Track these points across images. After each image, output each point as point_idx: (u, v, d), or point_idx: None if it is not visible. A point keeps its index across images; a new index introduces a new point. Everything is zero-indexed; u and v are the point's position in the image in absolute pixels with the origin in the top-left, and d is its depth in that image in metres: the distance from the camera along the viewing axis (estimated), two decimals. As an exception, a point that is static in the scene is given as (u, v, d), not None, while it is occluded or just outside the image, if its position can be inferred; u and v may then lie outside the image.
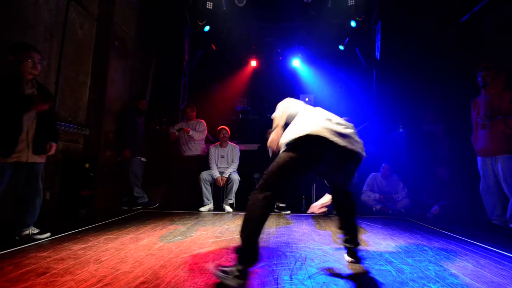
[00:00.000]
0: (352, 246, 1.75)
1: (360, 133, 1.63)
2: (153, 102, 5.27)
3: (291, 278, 1.46)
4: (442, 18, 4.28)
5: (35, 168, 2.19)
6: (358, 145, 1.47)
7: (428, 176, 4.02)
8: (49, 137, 2.27)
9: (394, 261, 1.79)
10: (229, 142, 4.17)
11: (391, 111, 5.12)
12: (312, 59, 6.48)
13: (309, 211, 2.16)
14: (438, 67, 4.34)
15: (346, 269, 1.62)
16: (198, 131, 4.32)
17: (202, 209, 3.76)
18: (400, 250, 2.05)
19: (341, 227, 1.79)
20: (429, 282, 1.45)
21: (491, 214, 2.88)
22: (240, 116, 5.96)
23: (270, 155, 1.75)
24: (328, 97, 6.02)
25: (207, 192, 3.86)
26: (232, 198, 3.85)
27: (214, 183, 3.94)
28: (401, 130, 4.79)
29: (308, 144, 1.40)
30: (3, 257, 1.68)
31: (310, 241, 2.24)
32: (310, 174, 1.49)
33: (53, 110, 2.42)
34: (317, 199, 4.03)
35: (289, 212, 3.70)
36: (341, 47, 6.16)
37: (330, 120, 1.50)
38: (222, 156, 4.07)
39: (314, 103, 1.87)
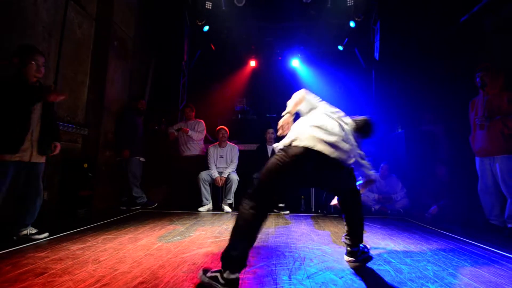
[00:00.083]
0: (351, 245, 1.75)
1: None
2: (152, 102, 5.27)
3: (290, 278, 1.46)
4: (441, 18, 4.29)
5: (37, 168, 2.19)
6: (340, 153, 1.49)
7: (427, 176, 4.02)
8: (52, 137, 2.30)
9: (393, 261, 1.79)
10: (228, 142, 4.17)
11: (390, 111, 5.13)
12: (311, 59, 6.48)
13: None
14: (437, 67, 4.35)
15: (345, 269, 1.62)
16: (197, 131, 4.31)
17: (201, 209, 3.75)
18: (398, 250, 2.06)
19: (345, 225, 1.80)
20: (427, 282, 1.45)
21: (489, 214, 2.89)
22: (239, 116, 5.97)
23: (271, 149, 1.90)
24: (327, 97, 5.92)
25: (206, 192, 3.85)
26: (231, 198, 3.85)
27: (213, 183, 3.93)
28: (400, 130, 4.80)
29: (295, 151, 1.46)
30: (1, 257, 1.68)
31: (309, 241, 2.24)
32: (297, 180, 1.55)
33: (54, 109, 2.42)
34: (316, 199, 4.08)
35: (288, 212, 3.71)
36: (340, 48, 6.17)
37: (319, 127, 1.55)
38: (221, 156, 4.06)
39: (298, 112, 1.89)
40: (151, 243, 2.06)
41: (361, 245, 1.79)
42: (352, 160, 1.57)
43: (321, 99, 1.87)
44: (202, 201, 3.81)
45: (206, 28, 5.82)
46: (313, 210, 4.03)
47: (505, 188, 2.71)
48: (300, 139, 1.49)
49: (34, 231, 2.16)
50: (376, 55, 5.47)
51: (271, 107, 6.26)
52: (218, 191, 4.14)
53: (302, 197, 4.12)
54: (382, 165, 4.08)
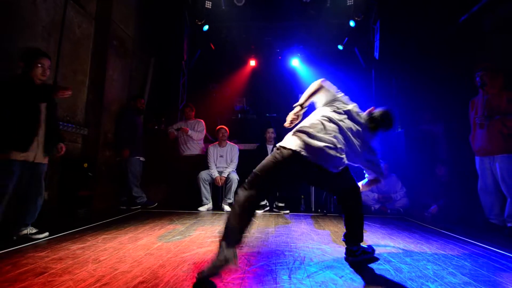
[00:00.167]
0: (351, 244, 1.76)
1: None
2: (152, 101, 5.26)
3: (290, 277, 1.46)
4: (441, 18, 4.29)
5: (40, 169, 2.21)
6: (325, 160, 1.57)
7: (426, 176, 4.03)
8: (57, 138, 2.33)
9: (393, 260, 1.79)
10: (228, 142, 4.17)
11: (390, 110, 5.13)
12: (311, 59, 6.48)
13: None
14: (437, 67, 4.35)
15: (345, 268, 1.62)
16: (197, 131, 4.31)
17: (201, 208, 3.75)
18: (398, 249, 2.06)
19: (345, 224, 1.81)
20: (427, 281, 1.45)
21: (489, 213, 2.89)
22: (239, 115, 5.96)
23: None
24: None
25: (206, 191, 3.85)
26: (231, 197, 3.85)
27: (213, 182, 3.93)
28: (399, 129, 4.80)
29: (285, 153, 1.60)
30: (0, 257, 1.68)
31: (309, 241, 2.24)
32: (290, 177, 1.69)
33: (57, 111, 2.43)
34: (316, 198, 4.08)
35: (288, 211, 3.71)
36: (340, 47, 6.17)
37: (308, 133, 1.63)
38: (221, 156, 4.06)
39: (313, 103, 1.91)
40: (151, 243, 2.06)
41: (365, 245, 1.79)
42: (341, 167, 1.64)
43: (339, 91, 1.88)
44: (202, 200, 3.81)
45: (205, 27, 5.81)
46: (313, 209, 4.03)
47: (505, 187, 2.71)
48: (290, 142, 1.63)
49: (34, 230, 2.16)
50: (376, 54, 5.46)
51: (271, 107, 6.26)
52: (218, 191, 4.14)
53: (302, 196, 4.13)
54: (381, 164, 4.08)
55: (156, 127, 4.85)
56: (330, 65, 6.24)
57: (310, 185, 3.82)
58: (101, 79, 3.77)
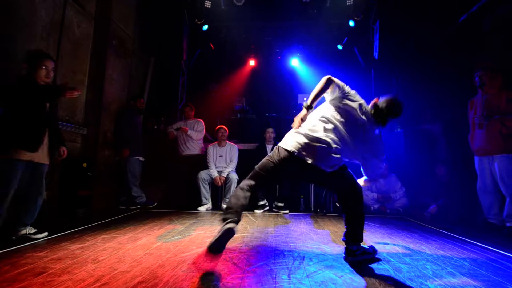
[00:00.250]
0: (350, 244, 1.76)
1: None
2: (152, 101, 5.26)
3: (289, 277, 1.46)
4: (440, 18, 4.29)
5: (42, 169, 2.22)
6: (319, 161, 1.65)
7: (426, 176, 4.03)
8: (58, 140, 2.35)
9: (392, 260, 1.79)
10: (227, 142, 4.17)
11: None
12: (310, 59, 6.48)
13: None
14: (436, 67, 4.35)
15: (344, 268, 1.62)
16: (196, 131, 4.31)
17: (200, 208, 3.75)
18: (397, 249, 2.06)
19: (345, 223, 1.82)
20: (426, 281, 1.45)
21: (488, 213, 2.90)
22: (239, 115, 5.96)
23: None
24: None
25: (205, 191, 3.85)
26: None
27: (212, 182, 3.93)
28: (399, 129, 4.80)
29: (282, 153, 1.74)
30: None
31: (308, 240, 2.24)
32: (287, 175, 1.86)
33: (57, 111, 2.44)
34: (315, 198, 4.08)
35: (287, 211, 3.71)
36: (340, 47, 6.17)
37: (303, 133, 1.71)
38: (221, 156, 4.06)
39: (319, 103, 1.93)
40: (151, 243, 2.06)
41: (365, 245, 1.79)
42: (336, 166, 1.70)
43: (346, 86, 1.85)
44: (201, 200, 3.81)
45: (205, 27, 5.81)
46: (312, 209, 4.03)
47: (504, 187, 2.72)
48: (286, 143, 1.74)
49: (33, 230, 2.16)
50: (376, 54, 5.47)
51: (270, 107, 6.26)
52: (218, 191, 4.13)
53: (302, 196, 4.13)
54: (378, 164, 4.08)
55: (155, 126, 4.85)
56: (329, 65, 6.25)
57: (310, 183, 3.88)
58: (101, 78, 3.77)
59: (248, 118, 5.90)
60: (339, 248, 2.01)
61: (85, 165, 3.26)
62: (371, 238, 2.38)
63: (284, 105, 6.36)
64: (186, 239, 2.20)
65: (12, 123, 2.01)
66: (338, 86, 1.81)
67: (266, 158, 1.79)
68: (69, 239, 2.11)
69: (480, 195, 2.96)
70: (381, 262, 1.75)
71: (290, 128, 1.83)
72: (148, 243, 2.06)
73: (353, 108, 1.78)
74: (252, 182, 1.75)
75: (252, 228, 2.67)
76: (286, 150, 1.71)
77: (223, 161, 4.04)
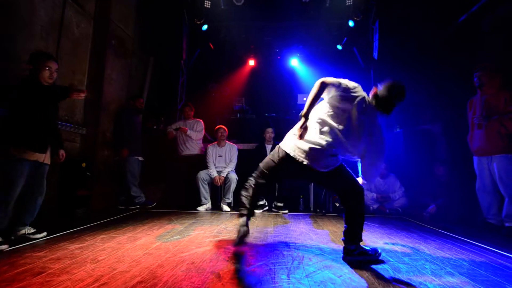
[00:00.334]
0: (349, 243, 1.76)
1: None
2: (151, 101, 5.25)
3: (288, 277, 1.46)
4: (440, 18, 4.30)
5: (44, 169, 2.22)
6: (314, 161, 1.72)
7: (425, 175, 4.04)
8: (58, 143, 2.37)
9: (391, 259, 1.80)
10: (227, 142, 4.17)
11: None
12: (310, 59, 6.48)
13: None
14: (436, 67, 4.36)
15: (343, 268, 1.62)
16: (196, 131, 4.31)
17: (199, 208, 3.75)
18: (396, 249, 2.06)
19: (345, 222, 1.82)
20: (425, 281, 1.46)
21: (486, 213, 2.90)
22: (238, 115, 5.96)
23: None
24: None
25: (204, 191, 3.85)
26: (230, 197, 3.85)
27: (212, 182, 3.93)
28: (398, 129, 4.81)
29: (281, 154, 1.85)
30: (-2, 257, 1.67)
31: (307, 240, 2.24)
32: (288, 174, 1.96)
33: (58, 112, 2.45)
34: (315, 198, 4.08)
35: (287, 211, 3.71)
36: (339, 47, 6.17)
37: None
38: (220, 155, 4.06)
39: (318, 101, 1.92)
40: (150, 243, 2.06)
41: (367, 247, 1.79)
42: (331, 167, 1.74)
43: (341, 84, 1.77)
44: (201, 200, 3.81)
45: (205, 27, 5.80)
46: (312, 209, 4.03)
47: (503, 187, 2.72)
48: (285, 144, 1.83)
49: (32, 230, 2.16)
50: (375, 54, 5.47)
51: (270, 107, 6.26)
52: (217, 191, 4.13)
53: (301, 196, 4.13)
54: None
55: (155, 126, 4.85)
56: (329, 65, 6.25)
57: (311, 182, 3.92)
58: (100, 78, 3.76)
59: (248, 118, 5.90)
60: (339, 248, 2.01)
61: (84, 165, 3.26)
62: (370, 238, 2.38)
63: (283, 105, 6.36)
64: (186, 239, 2.20)
65: (20, 124, 2.02)
66: (333, 85, 1.76)
67: (268, 156, 1.92)
68: (68, 239, 2.10)
69: (479, 195, 2.97)
70: (380, 262, 1.75)
71: (290, 128, 1.85)
72: (147, 243, 2.06)
73: (352, 107, 1.75)
74: (258, 179, 1.88)
75: (252, 228, 2.67)
76: (284, 150, 1.81)
77: (223, 161, 4.04)
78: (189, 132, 4.24)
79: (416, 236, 2.50)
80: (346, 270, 1.59)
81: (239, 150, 4.18)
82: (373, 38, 5.60)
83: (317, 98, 1.74)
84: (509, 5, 3.23)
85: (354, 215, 1.77)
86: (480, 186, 2.94)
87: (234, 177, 3.85)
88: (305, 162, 1.72)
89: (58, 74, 3.15)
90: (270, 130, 4.09)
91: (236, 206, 3.97)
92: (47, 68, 2.14)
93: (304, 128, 1.69)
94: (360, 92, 1.80)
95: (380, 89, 1.79)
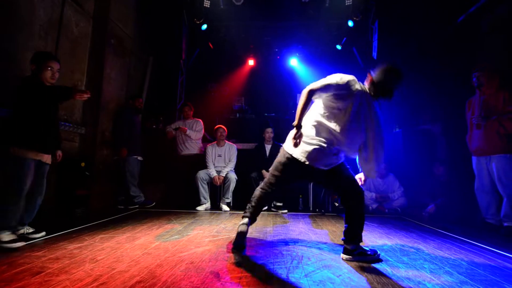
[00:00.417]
0: (348, 243, 1.76)
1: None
2: (150, 100, 5.24)
3: (287, 276, 1.46)
4: (439, 18, 4.30)
5: (44, 169, 2.22)
6: (315, 161, 1.76)
7: (424, 175, 4.05)
8: (58, 143, 2.37)
9: (390, 259, 1.80)
10: (226, 141, 4.17)
11: (388, 110, 5.15)
12: (309, 59, 6.48)
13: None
14: (435, 67, 4.36)
15: (343, 268, 1.62)
16: (195, 130, 4.30)
17: (199, 208, 3.75)
18: (395, 248, 2.07)
19: (345, 222, 1.83)
20: (424, 280, 1.46)
21: (485, 213, 2.91)
22: (238, 115, 5.96)
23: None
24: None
25: (204, 191, 3.85)
26: (229, 197, 3.85)
27: (211, 182, 3.93)
28: (397, 129, 4.81)
29: (285, 156, 1.89)
30: (-3, 257, 1.67)
31: (307, 240, 2.24)
32: (295, 176, 1.96)
33: (58, 112, 2.45)
34: (314, 198, 4.09)
35: (286, 211, 3.71)
36: (339, 47, 6.17)
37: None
38: (219, 155, 4.06)
39: (312, 103, 1.92)
40: (149, 242, 2.06)
41: (366, 248, 1.79)
42: (331, 165, 1.78)
43: (332, 83, 1.70)
44: (200, 200, 3.81)
45: (204, 26, 5.79)
46: (311, 209, 4.03)
47: (501, 187, 2.73)
48: (287, 146, 1.87)
49: (31, 230, 2.16)
50: (374, 54, 5.47)
51: (269, 106, 6.26)
52: (216, 190, 4.13)
53: (300, 196, 4.13)
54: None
55: (154, 126, 4.84)
56: (328, 64, 6.25)
57: (311, 182, 3.92)
58: (99, 78, 3.76)
59: (247, 118, 5.90)
60: (338, 247, 2.02)
61: (83, 164, 3.25)
62: (369, 237, 2.39)
63: (283, 105, 6.36)
64: (185, 238, 2.20)
65: (26, 124, 2.02)
66: (322, 90, 1.70)
67: (277, 160, 1.96)
68: (67, 239, 2.10)
69: (477, 195, 2.98)
70: (379, 261, 1.75)
71: (289, 128, 1.82)
72: (147, 242, 2.06)
73: (349, 103, 1.69)
74: (267, 189, 1.96)
75: (251, 227, 2.65)
76: (287, 152, 1.85)
77: (222, 161, 4.04)
78: (188, 131, 4.24)
79: (415, 235, 2.51)
80: (345, 270, 1.59)
81: (239, 150, 4.18)
82: (372, 38, 5.60)
83: (306, 106, 1.72)
84: (508, 5, 3.23)
85: (354, 215, 1.78)
86: (479, 186, 2.95)
87: (233, 176, 3.85)
88: (307, 163, 1.76)
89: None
90: (269, 130, 4.09)
91: (236, 206, 3.97)
92: (49, 68, 2.14)
93: (299, 137, 1.69)
94: (355, 85, 1.71)
95: (375, 75, 1.71)
